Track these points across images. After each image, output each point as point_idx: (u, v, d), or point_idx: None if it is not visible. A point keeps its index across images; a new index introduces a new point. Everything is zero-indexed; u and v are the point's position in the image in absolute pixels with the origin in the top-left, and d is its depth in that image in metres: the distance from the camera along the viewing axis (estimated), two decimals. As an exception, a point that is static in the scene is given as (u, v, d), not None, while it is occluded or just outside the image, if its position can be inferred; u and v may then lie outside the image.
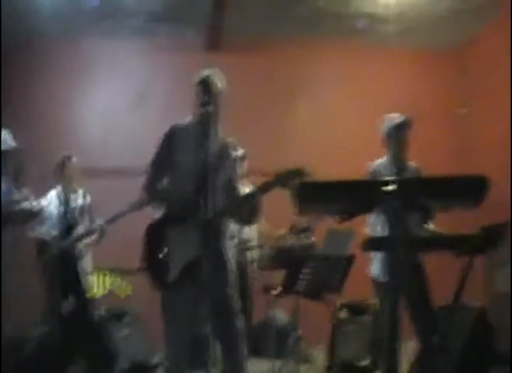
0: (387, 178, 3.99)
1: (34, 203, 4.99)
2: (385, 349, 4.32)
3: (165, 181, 3.76)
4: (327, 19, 7.24)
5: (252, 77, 7.53)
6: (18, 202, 4.98)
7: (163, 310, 3.64)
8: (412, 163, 4.73)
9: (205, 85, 3.66)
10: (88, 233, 5.60)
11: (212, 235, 3.47)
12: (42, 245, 5.47)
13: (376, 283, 4.50)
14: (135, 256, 6.48)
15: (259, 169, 5.54)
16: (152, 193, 3.78)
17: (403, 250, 2.72)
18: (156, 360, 6.00)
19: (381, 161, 4.69)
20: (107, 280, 6.08)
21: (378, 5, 6.86)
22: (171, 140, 3.71)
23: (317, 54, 7.80)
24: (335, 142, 7.49)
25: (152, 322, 6.05)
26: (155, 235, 3.63)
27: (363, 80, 7.86)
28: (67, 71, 7.55)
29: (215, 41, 7.50)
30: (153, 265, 3.61)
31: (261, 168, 5.68)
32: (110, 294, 6.14)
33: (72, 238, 5.56)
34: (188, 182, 3.56)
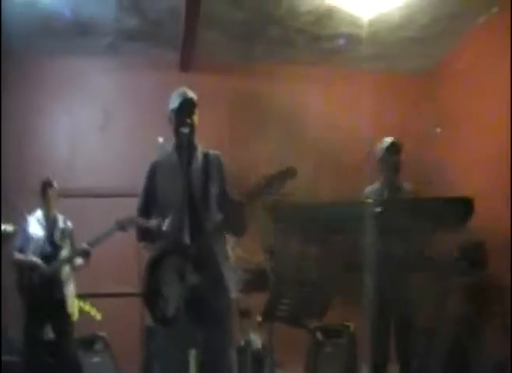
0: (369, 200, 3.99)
1: (4, 226, 4.88)
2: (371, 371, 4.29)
3: (154, 220, 3.67)
4: (302, 40, 7.20)
5: (224, 98, 7.48)
6: None
7: (158, 345, 3.57)
8: (407, 185, 4.70)
9: (188, 106, 3.60)
10: (72, 257, 5.50)
11: (209, 262, 3.44)
12: (26, 268, 5.35)
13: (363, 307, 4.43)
14: (105, 281, 6.47)
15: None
16: (145, 236, 3.73)
17: (382, 273, 2.67)
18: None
19: (373, 186, 4.68)
20: (77, 305, 5.96)
21: (353, 26, 6.84)
22: (151, 178, 3.68)
23: (289, 76, 7.76)
24: (306, 167, 7.40)
25: (124, 348, 5.99)
26: (152, 270, 3.55)
27: (336, 103, 7.83)
28: (34, 89, 7.39)
29: (188, 61, 7.42)
30: (151, 301, 3.53)
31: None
32: (81, 320, 6.02)
33: (57, 263, 5.46)
34: (176, 213, 3.51)
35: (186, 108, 3.59)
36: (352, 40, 7.15)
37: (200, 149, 3.69)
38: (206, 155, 3.69)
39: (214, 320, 3.47)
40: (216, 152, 3.76)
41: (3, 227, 4.89)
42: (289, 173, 3.32)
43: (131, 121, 7.36)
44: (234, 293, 3.64)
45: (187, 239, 3.39)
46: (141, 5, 6.35)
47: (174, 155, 3.63)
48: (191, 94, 3.66)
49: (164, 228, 3.59)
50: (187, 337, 3.43)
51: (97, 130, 7.42)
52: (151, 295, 3.53)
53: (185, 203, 3.43)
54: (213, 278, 3.48)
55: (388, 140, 4.71)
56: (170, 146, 3.69)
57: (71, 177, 7.02)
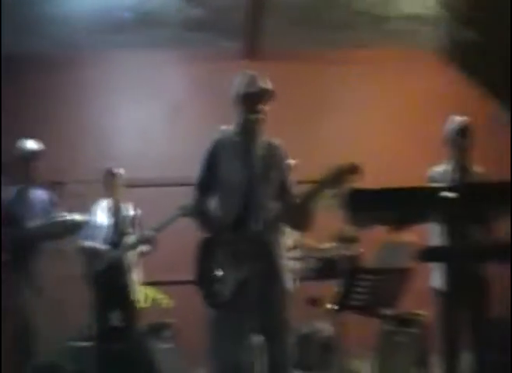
0: (446, 184, 3.88)
1: (74, 216, 4.96)
2: (443, 361, 4.19)
3: (212, 200, 3.63)
4: (366, 22, 7.08)
5: (290, 86, 7.40)
6: (59, 214, 4.98)
7: (212, 331, 3.53)
8: (477, 168, 4.56)
9: (262, 93, 3.52)
10: (138, 243, 5.57)
11: (265, 250, 3.39)
12: (93, 255, 5.45)
13: (436, 293, 4.34)
14: (176, 269, 6.53)
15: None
16: (198, 215, 3.66)
17: (462, 261, 2.59)
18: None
19: (442, 167, 4.53)
20: (148, 293, 6.04)
21: (418, 6, 6.68)
22: (212, 155, 3.59)
23: (355, 60, 7.65)
24: (374, 153, 7.31)
25: (193, 335, 6.03)
26: (206, 253, 3.53)
27: (403, 84, 7.67)
28: (103, 84, 7.56)
29: (252, 50, 7.43)
30: (205, 284, 3.50)
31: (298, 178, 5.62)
32: (151, 307, 6.10)
33: (122, 249, 5.54)
34: (235, 196, 3.46)
35: (261, 96, 3.51)
36: (417, 20, 6.98)
37: (263, 137, 3.62)
38: (268, 143, 3.62)
39: (269, 308, 3.42)
40: (279, 142, 3.69)
41: (72, 217, 4.97)
42: (354, 169, 3.24)
43: (198, 112, 7.42)
44: (290, 284, 3.58)
45: (251, 225, 3.35)
46: (203, -6, 6.33)
47: (236, 139, 3.57)
48: (266, 82, 3.58)
49: (221, 211, 3.55)
50: (244, 322, 3.40)
51: (166, 121, 7.51)
52: (204, 278, 3.50)
53: (245, 188, 3.40)
54: (268, 266, 3.44)
55: (458, 120, 4.55)
56: (232, 128, 3.63)
57: (142, 168, 7.14)
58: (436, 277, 4.35)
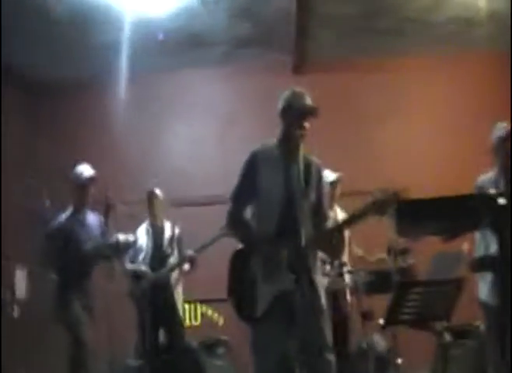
0: (494, 191, 3.78)
1: (126, 237, 5.04)
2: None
3: (249, 210, 3.63)
4: (414, 29, 7.01)
5: (339, 97, 7.39)
6: (109, 237, 5.07)
7: (252, 345, 3.50)
8: None
9: (308, 110, 3.52)
10: (179, 264, 5.61)
11: (303, 267, 3.36)
12: (136, 277, 5.51)
13: (484, 306, 4.22)
14: (224, 287, 6.54)
15: (348, 191, 5.40)
16: (234, 225, 3.66)
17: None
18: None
19: (488, 174, 4.43)
20: (198, 311, 6.07)
21: (468, 9, 6.57)
22: (252, 166, 3.58)
23: (404, 67, 7.58)
24: (427, 161, 7.21)
25: (245, 352, 6.01)
26: (241, 266, 3.52)
27: (454, 90, 7.54)
28: (152, 105, 7.68)
29: (301, 62, 7.43)
30: (240, 297, 3.49)
31: (350, 189, 5.56)
32: (203, 325, 6.12)
33: (166, 270, 5.59)
34: (274, 209, 3.45)
35: (307, 113, 3.51)
36: (467, 23, 6.87)
37: (302, 153, 3.60)
38: (308, 161, 3.61)
39: (306, 323, 3.35)
40: (318, 161, 3.67)
41: (124, 237, 5.06)
42: (392, 199, 3.12)
43: (249, 127, 7.43)
44: (325, 303, 3.52)
45: (283, 238, 3.32)
46: (251, 10, 6.39)
47: (277, 153, 3.57)
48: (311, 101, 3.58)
49: (259, 223, 3.53)
50: (280, 338, 3.36)
51: (217, 138, 7.56)
52: (239, 291, 3.49)
53: (285, 202, 3.38)
54: (305, 281, 3.38)
55: (503, 127, 4.45)
56: (272, 141, 3.64)
57: (193, 186, 7.20)
58: (483, 288, 4.25)
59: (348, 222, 3.40)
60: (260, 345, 3.44)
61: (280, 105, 3.61)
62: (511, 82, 6.76)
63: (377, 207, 3.18)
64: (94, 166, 5.31)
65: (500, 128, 4.44)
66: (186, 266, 5.69)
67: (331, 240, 3.42)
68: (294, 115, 3.52)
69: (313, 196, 3.56)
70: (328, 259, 3.62)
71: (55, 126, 7.47)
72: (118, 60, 7.03)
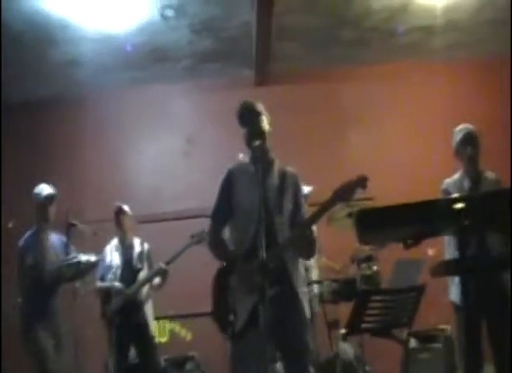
0: (454, 195, 3.85)
1: (88, 257, 5.00)
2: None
3: (228, 227, 3.66)
4: (377, 38, 7.11)
5: (303, 107, 7.43)
6: (73, 256, 5.02)
7: (232, 359, 3.50)
8: (489, 174, 4.53)
9: (255, 117, 3.56)
10: (151, 277, 5.59)
11: (278, 278, 3.36)
12: (108, 294, 5.45)
13: (455, 307, 4.29)
14: (192, 302, 6.51)
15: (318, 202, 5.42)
16: (212, 245, 3.68)
17: (476, 273, 2.55)
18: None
19: (453, 178, 4.53)
20: (166, 327, 6.03)
21: (427, 17, 6.68)
22: (228, 184, 3.62)
23: (366, 77, 7.66)
24: (394, 168, 7.29)
25: (214, 367, 6.00)
26: (220, 284, 3.54)
27: (418, 98, 7.65)
28: (115, 122, 7.64)
29: (263, 75, 7.45)
30: (220, 315, 3.50)
31: (316, 201, 5.58)
32: (171, 340, 6.08)
33: (136, 285, 5.54)
34: (250, 223, 3.44)
35: (253, 120, 3.56)
36: (428, 31, 6.98)
37: (277, 164, 3.64)
38: (283, 172, 3.63)
39: (288, 335, 3.40)
40: (294, 171, 3.69)
41: (86, 257, 5.02)
42: (358, 183, 3.27)
43: (213, 142, 7.45)
44: (308, 311, 3.56)
45: (261, 253, 3.26)
46: (213, 26, 6.43)
47: (250, 168, 3.58)
48: (258, 106, 3.62)
49: (235, 240, 3.57)
50: (263, 352, 3.28)
51: (181, 154, 7.54)
52: (220, 309, 3.50)
53: (261, 217, 3.33)
54: (286, 293, 3.42)
55: (462, 130, 4.54)
56: (246, 159, 3.66)
57: (158, 203, 7.18)
58: (453, 290, 4.32)
59: (319, 213, 3.37)
60: (240, 358, 3.45)
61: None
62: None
63: (343, 192, 3.26)
64: (56, 184, 5.27)
65: (460, 131, 4.54)
66: (156, 280, 5.64)
67: (304, 237, 3.43)
68: (245, 127, 3.57)
69: (289, 206, 3.56)
70: (304, 259, 3.61)
71: (18, 144, 7.37)
72: (82, 76, 7.05)
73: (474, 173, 4.47)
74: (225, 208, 3.61)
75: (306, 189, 5.41)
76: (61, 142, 7.47)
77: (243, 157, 3.70)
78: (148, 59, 7.03)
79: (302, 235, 3.43)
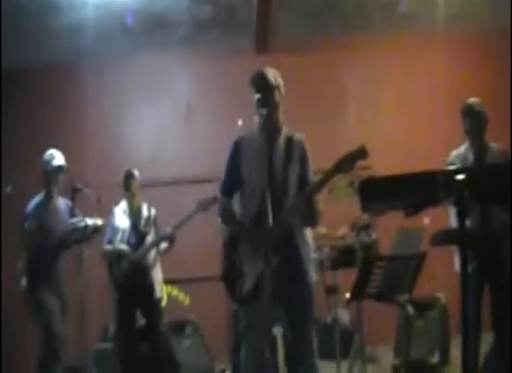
0: (454, 166, 3.90)
1: (94, 220, 5.05)
2: (464, 341, 4.20)
3: (237, 197, 3.72)
4: (376, 7, 7.14)
5: (302, 76, 7.43)
6: (80, 219, 5.07)
7: (235, 323, 3.61)
8: (495, 146, 4.56)
9: (266, 87, 3.58)
10: (158, 241, 5.63)
11: (284, 244, 3.43)
12: (115, 257, 5.50)
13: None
14: (191, 266, 6.59)
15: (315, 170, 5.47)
16: (223, 216, 3.76)
17: (475, 243, 2.62)
18: (218, 367, 6.00)
19: (459, 150, 4.57)
20: (164, 291, 6.08)
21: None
22: (235, 156, 3.67)
23: (365, 47, 7.65)
24: (390, 140, 7.33)
25: (212, 331, 6.10)
26: (230, 250, 3.63)
27: (416, 70, 7.68)
28: (115, 88, 7.67)
29: (264, 44, 7.45)
30: (230, 279, 3.60)
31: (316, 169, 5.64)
32: (169, 305, 6.16)
33: (144, 249, 5.59)
34: (256, 193, 3.51)
35: (264, 89, 3.57)
36: (427, 1, 7.00)
37: (284, 131, 3.68)
38: (290, 138, 3.66)
39: (294, 303, 3.52)
40: (300, 136, 3.72)
41: (92, 221, 5.07)
42: (360, 153, 3.33)
43: (211, 109, 7.48)
44: (313, 276, 3.65)
45: (267, 221, 3.36)
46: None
47: (258, 136, 3.63)
48: (270, 75, 3.63)
49: (243, 209, 3.64)
50: (269, 316, 3.45)
51: (180, 121, 7.56)
52: (230, 275, 3.59)
53: (267, 185, 3.41)
54: (292, 260, 3.51)
55: (463, 104, 4.58)
56: (255, 126, 3.69)
57: (157, 169, 7.22)
58: (456, 261, 4.39)
59: (321, 182, 3.43)
60: (244, 321, 3.58)
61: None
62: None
63: (345, 162, 3.32)
64: (60, 150, 5.30)
65: (462, 105, 4.57)
66: (163, 245, 5.69)
67: (308, 205, 3.48)
68: (255, 94, 3.57)
69: (296, 170, 3.62)
70: (307, 227, 3.70)
71: (20, 110, 7.38)
72: (82, 43, 7.03)
73: (478, 146, 4.50)
74: (233, 180, 3.67)
75: None
76: (61, 108, 7.49)
77: (241, 123, 3.73)
78: (147, 25, 7.04)
79: (305, 203, 3.47)
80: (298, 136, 3.71)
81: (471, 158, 4.47)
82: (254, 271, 3.45)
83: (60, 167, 5.18)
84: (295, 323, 3.56)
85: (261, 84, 3.59)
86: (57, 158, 5.21)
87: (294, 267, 3.53)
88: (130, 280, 5.48)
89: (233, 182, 3.67)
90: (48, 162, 5.18)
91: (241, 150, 3.66)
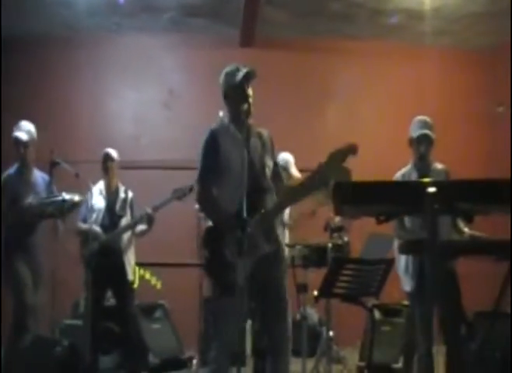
0: (428, 180, 3.94)
1: (72, 196, 5.02)
2: (418, 354, 4.26)
3: (215, 189, 3.71)
4: (363, 15, 7.16)
5: (285, 74, 7.49)
6: (55, 194, 5.05)
7: (216, 312, 3.62)
8: (438, 165, 4.67)
9: (248, 81, 3.64)
10: (135, 223, 5.61)
11: (270, 235, 3.54)
12: (88, 236, 5.49)
13: (409, 296, 4.49)
14: (165, 251, 6.59)
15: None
16: (204, 205, 3.77)
17: (441, 254, 2.65)
18: (187, 354, 6.02)
19: (402, 172, 4.70)
20: (137, 274, 6.08)
21: (414, 1, 6.76)
22: (213, 145, 3.66)
23: (351, 52, 7.77)
24: (366, 144, 7.36)
25: (182, 317, 6.12)
26: (215, 240, 3.60)
27: (396, 79, 7.83)
28: (100, 66, 7.63)
29: (249, 38, 7.48)
30: (213, 268, 3.62)
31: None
32: (141, 288, 6.17)
33: (119, 230, 5.58)
34: (239, 180, 3.49)
35: (246, 84, 3.63)
36: (414, 15, 7.06)
37: (253, 127, 3.74)
38: (259, 133, 3.77)
39: (274, 291, 3.60)
40: (266, 131, 3.84)
41: (70, 196, 5.03)
42: (350, 150, 3.34)
43: (194, 97, 7.50)
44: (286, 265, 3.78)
45: (246, 211, 3.39)
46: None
47: (232, 128, 3.66)
48: (250, 69, 3.67)
49: (225, 199, 3.64)
50: (245, 307, 3.57)
51: (162, 106, 7.57)
52: (214, 263, 3.59)
53: (246, 174, 3.44)
54: (274, 250, 3.58)
55: (419, 125, 4.62)
56: (226, 118, 3.73)
57: (136, 151, 7.22)
58: (406, 281, 4.54)
59: (309, 181, 3.50)
60: (225, 313, 3.55)
61: (222, 83, 3.73)
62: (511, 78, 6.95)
63: (334, 159, 3.34)
64: (40, 123, 5.28)
65: (417, 126, 4.60)
66: (140, 227, 5.67)
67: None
68: (235, 88, 3.63)
69: (270, 163, 3.74)
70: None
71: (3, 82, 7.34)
72: (69, 17, 7.00)
73: (422, 166, 4.60)
74: (213, 167, 3.65)
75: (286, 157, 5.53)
76: (45, 82, 7.44)
77: (223, 115, 3.75)
78: (135, 7, 6.99)
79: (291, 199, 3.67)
80: (264, 130, 3.82)
81: (415, 177, 4.53)
82: (244, 263, 3.43)
83: (16, 138, 5.12)
84: (278, 314, 3.63)
85: (247, 79, 3.64)
86: (22, 129, 5.15)
87: (278, 259, 3.64)
88: (100, 261, 5.46)
89: (213, 168, 3.66)
90: (15, 135, 5.13)
91: (219, 139, 3.67)
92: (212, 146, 3.66)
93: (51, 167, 5.18)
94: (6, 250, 5.05)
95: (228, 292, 3.49)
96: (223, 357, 3.59)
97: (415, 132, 4.59)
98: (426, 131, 4.54)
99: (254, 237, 3.45)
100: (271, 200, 3.60)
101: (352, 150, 3.35)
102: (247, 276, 3.41)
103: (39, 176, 5.29)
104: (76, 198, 5.07)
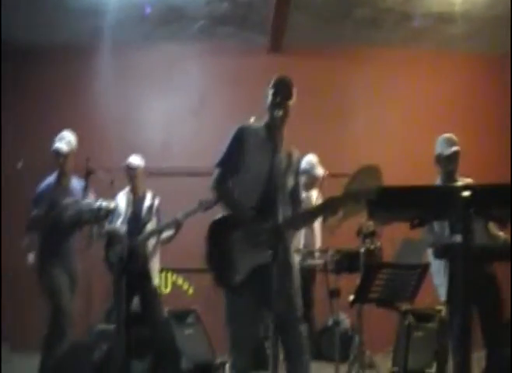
0: (462, 184, 3.94)
1: (108, 203, 5.10)
2: (455, 359, 4.24)
3: (231, 182, 3.69)
4: (391, 19, 7.13)
5: (311, 80, 7.49)
6: (94, 200, 5.14)
7: (227, 311, 3.62)
8: (465, 180, 4.64)
9: (282, 87, 3.62)
10: (163, 228, 5.64)
11: (281, 244, 3.46)
12: (113, 238, 5.54)
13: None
14: (197, 257, 6.62)
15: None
16: (222, 191, 3.70)
17: (477, 259, 2.65)
18: (219, 360, 6.03)
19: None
20: (169, 279, 6.11)
21: (443, 4, 6.71)
22: (240, 140, 3.65)
23: (379, 57, 7.74)
24: (394, 151, 7.37)
25: (214, 321, 6.13)
26: (221, 235, 3.57)
27: (425, 83, 7.75)
28: (130, 76, 7.75)
29: (277, 44, 7.50)
30: (219, 265, 3.56)
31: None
32: (173, 293, 6.21)
33: (144, 235, 5.60)
34: (257, 187, 3.53)
35: (286, 95, 3.60)
36: (444, 19, 7.00)
37: (285, 143, 3.69)
38: (289, 151, 3.74)
39: (284, 297, 3.49)
40: (298, 153, 3.84)
41: (106, 203, 5.11)
42: (376, 172, 3.37)
43: (223, 105, 7.54)
44: (297, 275, 3.68)
45: (271, 213, 3.41)
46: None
47: (263, 132, 3.65)
48: (293, 87, 3.66)
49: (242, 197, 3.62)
50: (254, 310, 3.54)
51: (190, 114, 7.64)
52: (218, 259, 3.56)
53: (269, 180, 3.47)
54: (283, 258, 3.51)
55: (447, 144, 4.60)
56: (259, 122, 3.73)
57: (165, 158, 7.29)
58: (441, 290, 4.49)
59: (322, 208, 3.56)
60: (235, 315, 3.56)
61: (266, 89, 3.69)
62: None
63: (352, 196, 3.33)
64: (73, 131, 5.38)
65: (445, 144, 4.59)
66: (166, 233, 5.69)
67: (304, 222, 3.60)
68: (273, 95, 3.60)
69: (291, 182, 3.71)
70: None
71: (33, 91, 7.47)
72: (99, 27, 7.08)
73: (451, 183, 4.57)
74: (233, 161, 3.63)
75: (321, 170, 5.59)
76: (76, 90, 7.57)
77: (254, 121, 3.76)
78: (165, 17, 7.08)
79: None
80: (297, 151, 3.81)
81: None
82: (249, 262, 3.45)
83: (56, 150, 5.25)
84: (289, 321, 3.55)
85: (285, 90, 3.62)
86: (63, 140, 5.28)
87: (287, 266, 3.60)
88: (126, 266, 5.47)
89: (235, 162, 3.63)
90: (55, 147, 5.26)
91: (246, 137, 3.65)
92: (238, 141, 3.65)
93: (87, 175, 5.27)
94: (42, 257, 5.16)
95: (232, 290, 3.52)
96: (241, 356, 3.58)
97: (444, 150, 4.58)
98: (457, 148, 4.54)
99: (262, 240, 3.42)
100: (282, 214, 3.52)
101: (376, 172, 3.37)
102: (246, 276, 3.42)
103: (76, 183, 5.39)
104: (112, 205, 5.16)
